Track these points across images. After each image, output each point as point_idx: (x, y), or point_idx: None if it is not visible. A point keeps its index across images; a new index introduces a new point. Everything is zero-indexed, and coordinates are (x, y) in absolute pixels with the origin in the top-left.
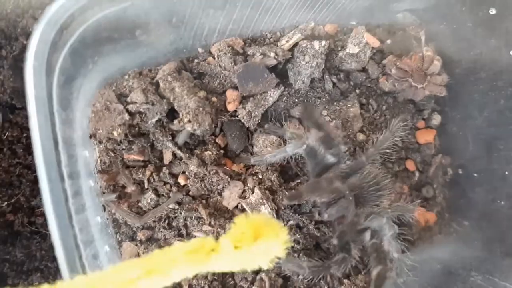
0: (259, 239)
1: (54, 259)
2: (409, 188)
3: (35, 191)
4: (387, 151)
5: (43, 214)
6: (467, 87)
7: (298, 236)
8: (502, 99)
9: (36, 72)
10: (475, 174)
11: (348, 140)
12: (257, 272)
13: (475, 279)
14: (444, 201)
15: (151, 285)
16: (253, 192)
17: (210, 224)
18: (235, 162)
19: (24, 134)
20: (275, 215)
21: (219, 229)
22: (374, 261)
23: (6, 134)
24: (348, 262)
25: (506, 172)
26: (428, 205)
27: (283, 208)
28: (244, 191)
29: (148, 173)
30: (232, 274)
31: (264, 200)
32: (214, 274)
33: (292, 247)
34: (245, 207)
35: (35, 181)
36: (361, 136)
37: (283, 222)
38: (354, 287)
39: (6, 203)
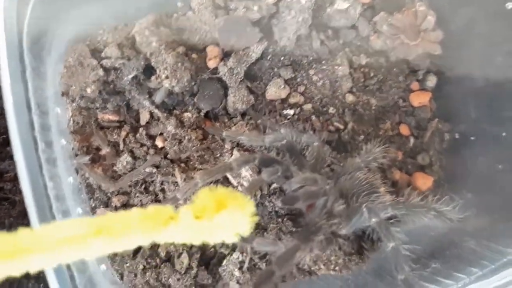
0: (222, 210)
1: (24, 226)
2: (404, 155)
3: (3, 154)
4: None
5: (12, 180)
6: (463, 44)
7: (278, 202)
8: (499, 56)
9: (6, 21)
10: (473, 138)
11: (336, 101)
12: None
13: (469, 244)
14: (441, 169)
15: (100, 246)
16: (231, 154)
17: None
18: (215, 123)
19: None
20: (256, 177)
21: (191, 197)
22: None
23: None
24: (334, 244)
25: (504, 134)
26: (424, 173)
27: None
28: (221, 154)
29: (123, 134)
30: None
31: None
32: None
33: (276, 211)
34: (227, 175)
35: (3, 144)
36: (350, 97)
37: (267, 185)
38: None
39: None
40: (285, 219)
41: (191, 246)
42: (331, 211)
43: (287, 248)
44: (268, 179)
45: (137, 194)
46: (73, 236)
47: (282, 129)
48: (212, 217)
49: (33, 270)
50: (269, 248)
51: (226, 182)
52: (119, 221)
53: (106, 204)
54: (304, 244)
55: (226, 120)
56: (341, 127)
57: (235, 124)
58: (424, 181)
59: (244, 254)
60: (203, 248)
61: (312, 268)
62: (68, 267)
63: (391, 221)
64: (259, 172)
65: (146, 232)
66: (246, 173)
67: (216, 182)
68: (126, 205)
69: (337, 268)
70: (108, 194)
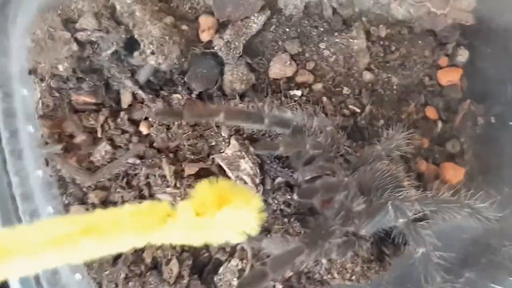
0: (225, 206)
1: None
2: (430, 142)
3: None
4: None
5: None
6: (501, 13)
7: (289, 197)
8: None
9: None
10: (511, 123)
11: (351, 80)
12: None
13: (508, 249)
14: (474, 159)
15: (88, 248)
16: (229, 143)
17: (175, 186)
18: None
19: None
20: (258, 171)
21: (188, 190)
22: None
23: None
24: (354, 245)
25: None
26: (455, 164)
27: (268, 162)
28: (217, 143)
29: (102, 119)
30: (206, 245)
31: (243, 153)
32: (183, 244)
33: (282, 210)
34: (221, 163)
35: None
36: (368, 76)
37: (270, 179)
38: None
39: None
40: (292, 219)
41: (182, 251)
42: (349, 209)
43: (287, 250)
44: (285, 152)
45: (118, 189)
46: (57, 236)
47: (288, 112)
48: (214, 213)
49: (11, 275)
50: (280, 251)
51: (222, 175)
52: (110, 219)
53: (82, 201)
54: (309, 249)
55: (223, 102)
56: (357, 110)
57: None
58: (454, 173)
59: (244, 261)
60: (196, 253)
61: (324, 277)
62: (37, 279)
63: (420, 223)
64: (260, 164)
65: (140, 231)
66: (245, 165)
67: (212, 174)
68: (105, 202)
69: (353, 277)
70: (84, 189)
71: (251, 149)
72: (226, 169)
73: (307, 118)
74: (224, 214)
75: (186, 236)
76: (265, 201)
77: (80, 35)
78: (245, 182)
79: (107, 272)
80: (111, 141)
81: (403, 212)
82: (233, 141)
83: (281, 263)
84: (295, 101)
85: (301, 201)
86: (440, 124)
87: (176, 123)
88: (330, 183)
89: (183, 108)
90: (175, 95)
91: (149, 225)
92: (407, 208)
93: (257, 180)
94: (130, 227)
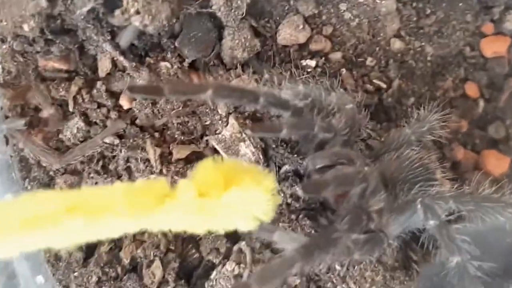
0: (233, 186)
1: None
2: (470, 125)
3: None
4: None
5: None
6: None
7: (298, 189)
8: None
9: None
10: None
11: (377, 49)
12: (234, 241)
13: None
14: None
15: (72, 229)
16: (227, 122)
17: (160, 172)
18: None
19: None
20: (261, 157)
21: (176, 178)
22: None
23: None
24: (382, 243)
25: None
26: (498, 152)
27: (274, 146)
28: (212, 122)
29: (74, 89)
30: (196, 244)
31: (244, 135)
32: (169, 242)
33: (289, 204)
34: (216, 146)
35: None
36: (397, 44)
37: (275, 167)
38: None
39: None
40: (301, 216)
41: (167, 251)
42: (363, 209)
43: (278, 261)
44: (289, 134)
45: (91, 174)
46: (37, 214)
47: (301, 85)
48: (220, 194)
49: None
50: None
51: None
52: (99, 197)
53: (48, 187)
54: (304, 261)
55: (221, 72)
56: (383, 85)
57: (233, 79)
58: (497, 163)
59: (242, 265)
60: (183, 254)
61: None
62: None
63: (456, 226)
64: (264, 149)
65: (133, 213)
66: (246, 149)
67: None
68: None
69: None
70: (51, 173)
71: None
72: (223, 154)
73: (323, 93)
74: (232, 195)
75: (187, 220)
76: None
77: None
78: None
79: (76, 274)
80: (84, 116)
81: (434, 212)
82: (231, 120)
83: (268, 277)
84: (308, 73)
85: (307, 196)
86: (482, 103)
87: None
88: (344, 175)
89: (164, 83)
90: (163, 63)
91: (144, 206)
92: (440, 208)
93: (260, 168)
94: (122, 208)
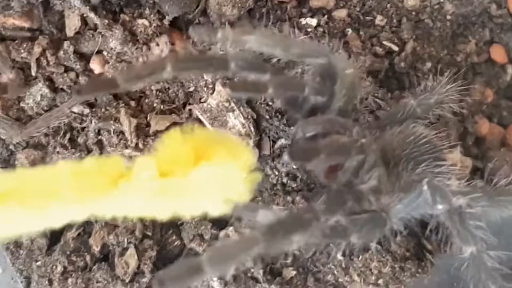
0: (203, 162)
1: None
2: (496, 95)
3: None
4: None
5: None
6: None
7: (294, 168)
8: None
9: None
10: None
11: (388, 6)
12: (221, 226)
13: None
14: None
15: (8, 219)
16: (213, 89)
17: (136, 146)
18: (188, 38)
19: None
20: (252, 130)
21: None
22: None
23: None
24: (383, 225)
25: None
26: None
27: (267, 117)
28: (196, 88)
29: (38, 51)
30: (177, 229)
31: (233, 104)
32: (145, 227)
33: (284, 184)
34: (200, 116)
35: None
36: (411, 0)
37: (269, 141)
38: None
39: None
40: (297, 197)
41: (143, 238)
42: (352, 186)
43: (236, 241)
44: (276, 96)
45: (57, 149)
46: None
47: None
48: (187, 172)
49: None
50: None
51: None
52: (40, 180)
53: (7, 163)
54: (267, 242)
55: (206, 33)
56: (395, 48)
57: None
58: None
59: None
60: (162, 241)
61: (340, 280)
62: None
63: (470, 210)
64: (256, 120)
65: (81, 197)
66: (235, 121)
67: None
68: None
69: (380, 281)
70: (11, 147)
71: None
72: (208, 125)
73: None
74: (202, 173)
75: (146, 204)
76: (262, 170)
77: None
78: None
79: (38, 263)
80: (50, 81)
81: (444, 195)
82: (218, 87)
83: (223, 259)
84: (307, 34)
85: (293, 163)
86: (510, 70)
87: (140, 59)
88: (338, 143)
89: (115, 73)
90: (140, 21)
91: (94, 188)
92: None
93: (251, 142)
94: (68, 192)
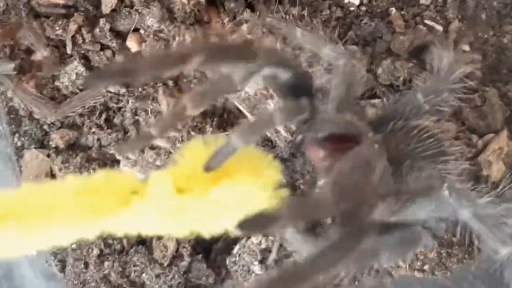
0: (225, 179)
1: None
2: None
3: None
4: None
5: None
6: None
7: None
8: None
9: None
10: None
11: None
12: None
13: None
14: None
15: (5, 242)
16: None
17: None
18: (229, 17)
19: None
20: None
21: (193, 134)
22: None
23: None
24: (418, 241)
25: None
26: None
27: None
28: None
29: (73, 28)
30: None
31: (271, 90)
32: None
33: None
34: (239, 106)
35: None
36: None
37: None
38: None
39: None
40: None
41: None
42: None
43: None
44: (281, 123)
45: (92, 129)
46: None
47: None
48: (206, 190)
49: None
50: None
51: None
52: (42, 198)
53: (41, 144)
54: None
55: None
56: (439, 28)
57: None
58: None
59: (270, 238)
60: None
61: (385, 266)
62: None
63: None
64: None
65: (88, 216)
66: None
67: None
68: (74, 147)
69: (426, 267)
70: (45, 127)
71: None
72: (248, 115)
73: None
74: (222, 191)
75: (160, 224)
76: (281, 158)
77: None
78: (277, 135)
79: (73, 246)
80: (85, 59)
81: (470, 198)
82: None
83: None
84: (349, 13)
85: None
86: None
87: (178, 38)
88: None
89: (137, 60)
90: None
91: (103, 207)
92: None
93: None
94: (73, 211)
